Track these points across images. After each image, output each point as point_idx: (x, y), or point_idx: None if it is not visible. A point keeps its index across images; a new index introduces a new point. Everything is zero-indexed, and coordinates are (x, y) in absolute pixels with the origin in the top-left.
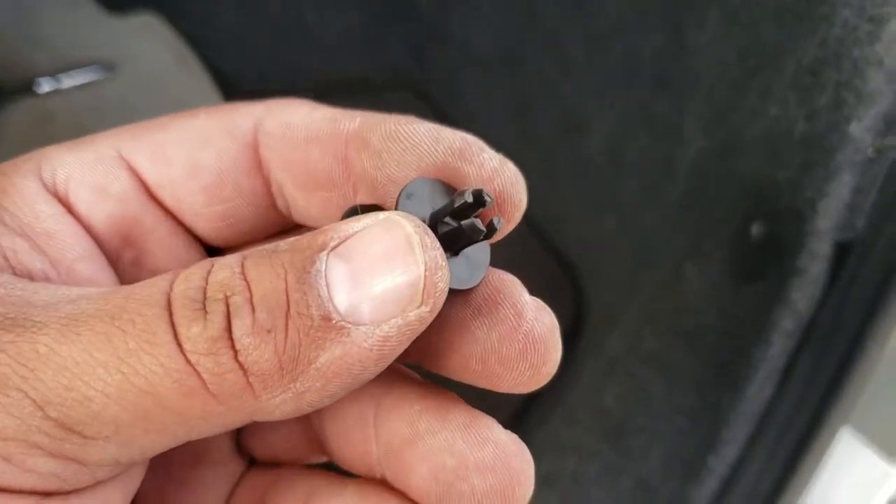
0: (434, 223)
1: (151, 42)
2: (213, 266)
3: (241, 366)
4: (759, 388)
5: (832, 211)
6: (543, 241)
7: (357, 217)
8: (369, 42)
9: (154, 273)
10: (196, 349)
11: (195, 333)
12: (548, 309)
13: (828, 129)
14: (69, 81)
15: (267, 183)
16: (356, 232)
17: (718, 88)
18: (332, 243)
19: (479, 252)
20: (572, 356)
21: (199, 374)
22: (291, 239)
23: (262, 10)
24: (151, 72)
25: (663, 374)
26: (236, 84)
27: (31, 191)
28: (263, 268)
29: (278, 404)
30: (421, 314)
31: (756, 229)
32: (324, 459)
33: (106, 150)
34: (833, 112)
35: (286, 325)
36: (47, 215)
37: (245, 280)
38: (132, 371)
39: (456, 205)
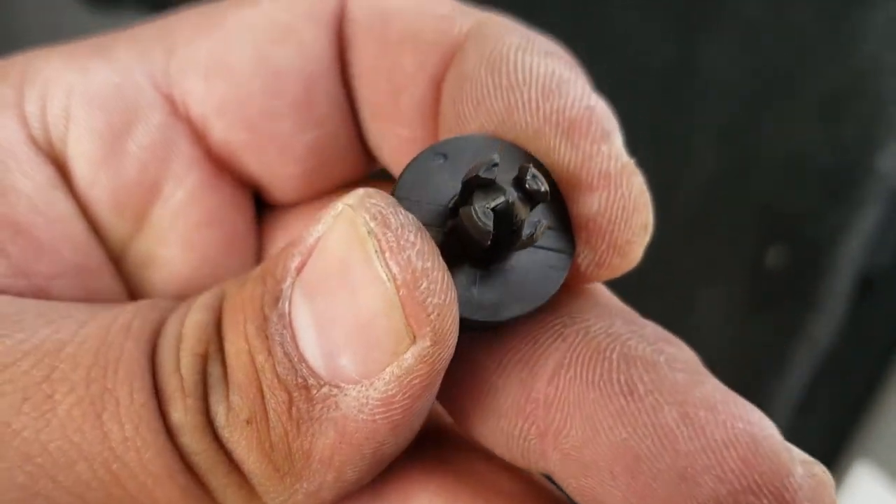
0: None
1: None
2: (197, 300)
3: (236, 465)
4: (774, 419)
5: (855, 244)
6: None
7: (327, 211)
8: None
9: (167, 286)
10: (187, 442)
11: (177, 419)
12: (824, 475)
13: (853, 160)
14: None
15: (351, 98)
16: (318, 240)
17: (732, 108)
18: (294, 263)
19: (543, 267)
20: None
21: (201, 480)
22: (266, 261)
23: None
24: None
25: None
26: None
27: (6, 139)
28: (231, 313)
29: None
30: (421, 353)
31: (772, 258)
32: None
33: (130, 65)
34: (858, 143)
35: (264, 408)
36: (22, 192)
37: (220, 331)
38: (126, 471)
39: (464, 178)
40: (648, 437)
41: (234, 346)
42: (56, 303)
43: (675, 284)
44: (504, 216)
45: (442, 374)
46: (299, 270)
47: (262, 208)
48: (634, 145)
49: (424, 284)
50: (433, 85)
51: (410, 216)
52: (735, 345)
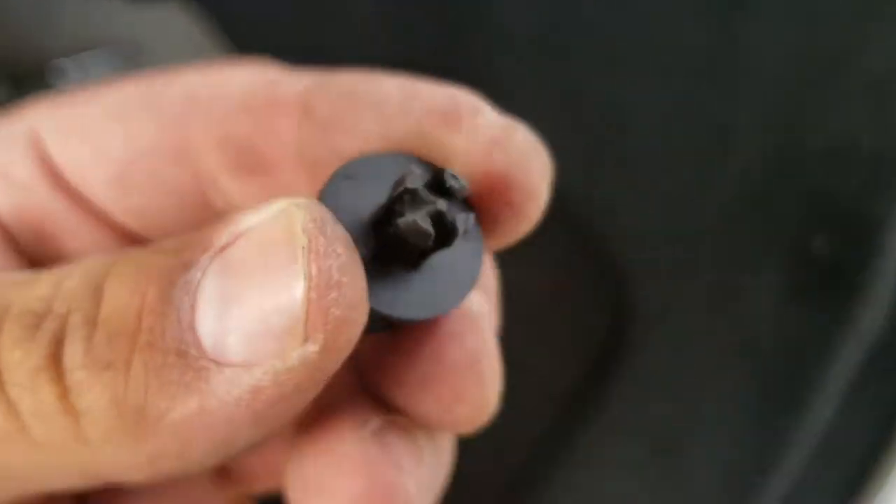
0: (383, 220)
1: (176, 31)
2: (76, 267)
3: (69, 410)
4: (819, 410)
5: None
6: (582, 236)
7: (267, 204)
8: (401, 26)
9: None
10: (16, 380)
11: (15, 360)
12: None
13: None
14: (88, 72)
15: (196, 172)
16: (250, 228)
17: (774, 89)
18: (222, 242)
19: (464, 263)
20: (616, 361)
21: (17, 414)
22: (187, 235)
23: None
24: (175, 62)
25: (717, 391)
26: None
27: None
28: (128, 276)
29: (126, 468)
30: (306, 356)
31: (817, 244)
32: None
33: (19, 124)
34: None
35: (130, 359)
36: None
37: (100, 291)
38: None
39: (395, 192)
40: None
41: (122, 300)
42: None
43: (717, 270)
44: (441, 221)
45: (315, 389)
46: (223, 249)
47: None
48: (677, 125)
49: (334, 295)
50: (277, 137)
51: (344, 233)
52: (780, 333)
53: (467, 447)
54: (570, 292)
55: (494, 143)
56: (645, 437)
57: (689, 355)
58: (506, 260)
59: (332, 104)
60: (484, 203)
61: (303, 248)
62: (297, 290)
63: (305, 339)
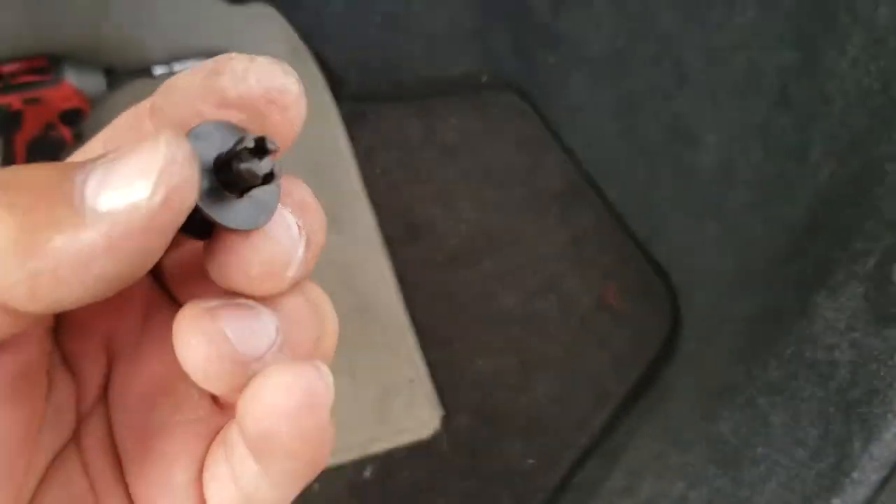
0: (221, 164)
1: (264, 31)
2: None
3: None
4: (892, 435)
5: None
6: (640, 245)
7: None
8: (476, 38)
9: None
10: None
11: None
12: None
13: None
14: (181, 68)
15: None
16: (139, 147)
17: (856, 115)
18: (114, 154)
19: (269, 195)
20: (668, 367)
21: None
22: None
23: (371, 0)
24: None
25: (787, 406)
26: (342, 75)
27: None
28: (42, 165)
29: (12, 285)
30: (151, 205)
31: None
32: None
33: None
34: None
35: (34, 203)
36: None
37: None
38: None
39: (237, 148)
40: None
41: (35, 173)
42: None
43: (788, 289)
44: (270, 175)
45: (155, 238)
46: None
47: None
48: (745, 144)
49: (175, 169)
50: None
51: (189, 146)
52: (855, 354)
53: (520, 446)
54: (628, 300)
55: (246, 70)
56: (705, 447)
57: (761, 372)
58: (564, 268)
59: (162, 95)
60: (261, 117)
61: (165, 141)
62: (153, 165)
63: (153, 196)
